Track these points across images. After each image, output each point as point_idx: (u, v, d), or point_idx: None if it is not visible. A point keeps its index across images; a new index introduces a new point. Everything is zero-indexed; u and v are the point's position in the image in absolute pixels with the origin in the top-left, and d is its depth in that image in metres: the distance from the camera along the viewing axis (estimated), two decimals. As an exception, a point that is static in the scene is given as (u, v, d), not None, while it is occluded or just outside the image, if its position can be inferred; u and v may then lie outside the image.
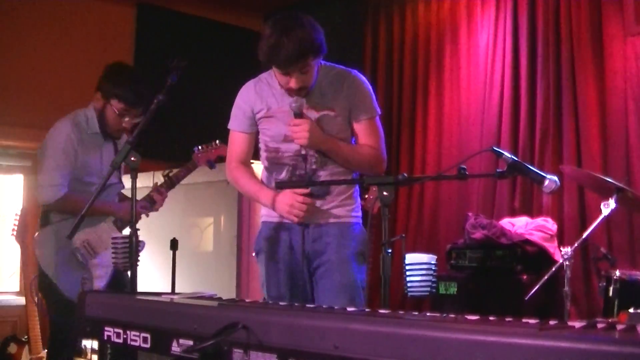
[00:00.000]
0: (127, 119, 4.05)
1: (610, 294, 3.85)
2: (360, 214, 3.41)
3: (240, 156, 3.46)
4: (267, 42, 3.07)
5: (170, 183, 4.18)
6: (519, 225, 4.97)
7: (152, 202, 4.12)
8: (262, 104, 3.35)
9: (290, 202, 3.20)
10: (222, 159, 3.97)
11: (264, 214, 3.47)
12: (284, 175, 3.34)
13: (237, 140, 3.46)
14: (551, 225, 4.94)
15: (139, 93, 4.00)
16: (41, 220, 4.06)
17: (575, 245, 3.87)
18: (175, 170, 4.24)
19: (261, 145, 3.45)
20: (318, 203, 3.27)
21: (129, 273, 4.03)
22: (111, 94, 4.02)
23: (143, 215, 4.04)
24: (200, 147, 4.30)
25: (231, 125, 3.48)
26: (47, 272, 3.96)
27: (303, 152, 3.21)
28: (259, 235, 3.47)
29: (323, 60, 3.31)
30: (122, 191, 4.33)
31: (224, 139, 3.62)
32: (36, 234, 4.06)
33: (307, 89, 3.22)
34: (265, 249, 3.40)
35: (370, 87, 3.41)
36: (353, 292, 3.24)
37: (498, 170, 2.72)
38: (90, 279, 3.94)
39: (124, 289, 3.90)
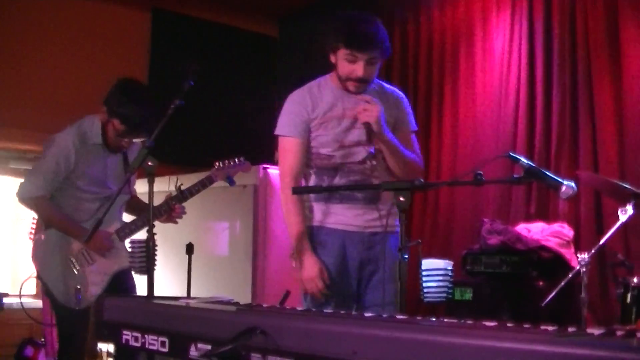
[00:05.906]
0: (126, 140, 3.95)
1: (628, 300, 3.83)
2: None
3: (296, 168, 3.27)
4: (348, 20, 3.12)
5: (182, 197, 4.00)
6: (535, 231, 4.94)
7: (161, 214, 3.96)
8: (318, 108, 3.26)
9: (314, 275, 3.13)
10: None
11: (316, 219, 3.30)
12: (337, 180, 3.25)
13: (293, 147, 3.26)
14: (567, 231, 4.91)
15: (144, 118, 3.82)
16: (42, 224, 4.04)
17: (592, 251, 3.86)
18: (189, 185, 4.06)
19: (311, 154, 3.30)
20: (371, 209, 3.24)
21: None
22: (114, 114, 3.88)
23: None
24: (220, 163, 4.08)
25: (284, 131, 3.29)
26: (42, 277, 3.96)
27: (361, 158, 3.21)
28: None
29: None
30: (138, 195, 4.31)
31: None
32: (38, 236, 4.03)
33: (366, 85, 3.21)
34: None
35: (410, 107, 3.51)
36: None
37: (515, 175, 2.72)
38: (84, 285, 3.90)
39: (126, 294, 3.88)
